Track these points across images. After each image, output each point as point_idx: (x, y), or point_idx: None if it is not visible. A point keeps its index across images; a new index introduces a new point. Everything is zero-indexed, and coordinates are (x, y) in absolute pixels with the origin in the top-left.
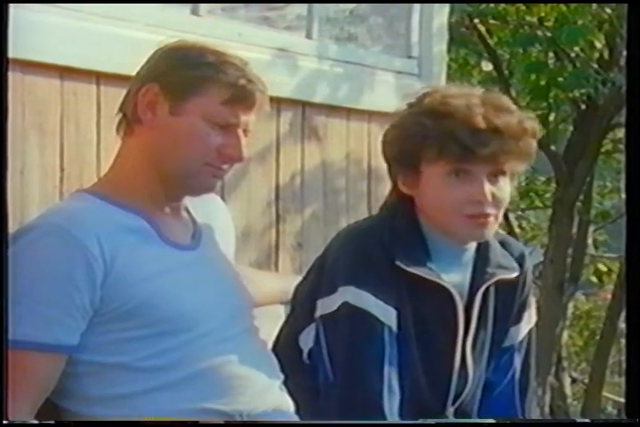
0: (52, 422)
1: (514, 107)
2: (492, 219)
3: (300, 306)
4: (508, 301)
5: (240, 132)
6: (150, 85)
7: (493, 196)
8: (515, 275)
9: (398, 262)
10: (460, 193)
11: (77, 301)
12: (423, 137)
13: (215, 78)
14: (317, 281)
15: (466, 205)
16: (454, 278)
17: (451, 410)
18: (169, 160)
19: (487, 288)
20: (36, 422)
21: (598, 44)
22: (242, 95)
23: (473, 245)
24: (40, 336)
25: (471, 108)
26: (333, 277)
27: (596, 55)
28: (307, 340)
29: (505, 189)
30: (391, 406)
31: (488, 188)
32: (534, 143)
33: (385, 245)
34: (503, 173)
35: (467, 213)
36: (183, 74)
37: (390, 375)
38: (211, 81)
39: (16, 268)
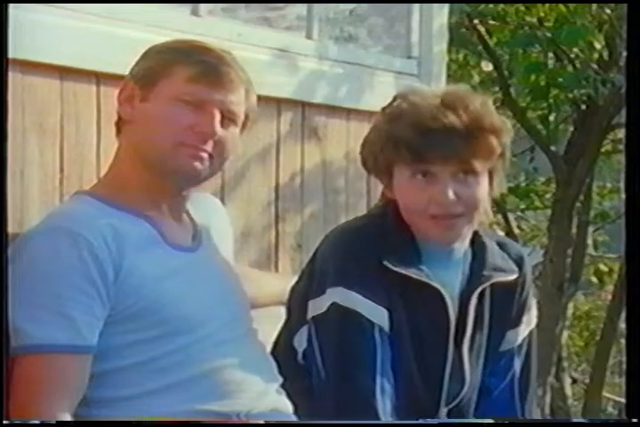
0: (52, 422)
1: (475, 105)
2: (460, 220)
3: (294, 307)
4: (505, 303)
5: (215, 110)
6: (126, 81)
7: (459, 195)
8: (513, 277)
9: (386, 262)
10: (424, 194)
11: (97, 299)
12: (381, 142)
13: (180, 60)
14: (309, 282)
15: (430, 206)
16: (445, 279)
17: (444, 411)
18: (145, 146)
19: (483, 290)
20: (36, 421)
21: (598, 45)
22: (207, 71)
23: (462, 246)
24: (70, 338)
25: (422, 110)
26: (323, 278)
27: (596, 56)
28: (301, 341)
29: (476, 187)
30: (384, 405)
31: (452, 187)
32: (495, 140)
33: (373, 246)
34: (473, 172)
35: (431, 213)
36: (150, 60)
37: (383, 375)
38: (175, 63)
39: (31, 273)
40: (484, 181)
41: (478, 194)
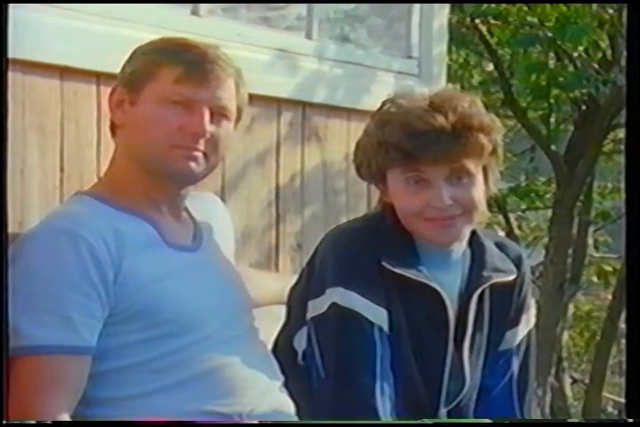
0: (52, 422)
1: (463, 105)
2: (458, 219)
3: (294, 308)
4: (504, 303)
5: (204, 109)
6: (115, 86)
7: (455, 199)
8: (511, 278)
9: (384, 263)
10: (419, 200)
11: (96, 299)
12: (373, 147)
13: (164, 61)
14: (308, 283)
15: (425, 210)
16: (444, 280)
17: (443, 411)
18: (139, 150)
19: (483, 291)
20: (35, 422)
21: (602, 44)
22: (191, 70)
23: (461, 246)
24: (69, 339)
25: (411, 113)
26: (322, 278)
27: (599, 55)
28: (300, 341)
29: (471, 188)
30: (384, 405)
31: (447, 192)
32: (485, 138)
33: (372, 246)
34: (467, 173)
35: (426, 216)
36: (135, 63)
37: (382, 375)
38: (160, 64)
39: (30, 274)
40: (479, 181)
41: (475, 195)
